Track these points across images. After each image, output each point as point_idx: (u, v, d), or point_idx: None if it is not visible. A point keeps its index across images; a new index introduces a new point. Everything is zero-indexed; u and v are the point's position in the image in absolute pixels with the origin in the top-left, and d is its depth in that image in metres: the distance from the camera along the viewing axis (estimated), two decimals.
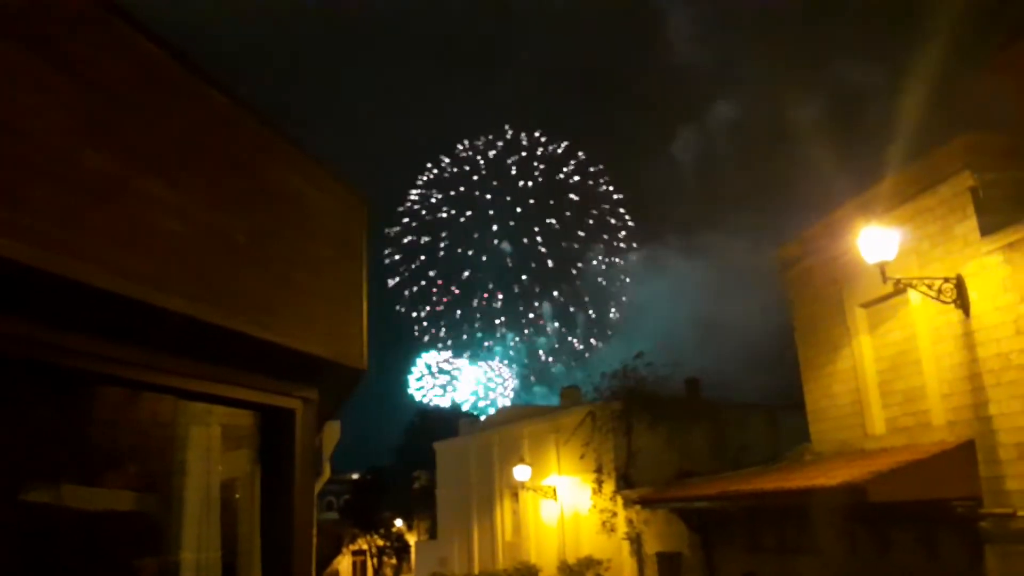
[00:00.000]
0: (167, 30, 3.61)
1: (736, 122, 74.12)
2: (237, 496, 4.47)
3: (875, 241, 9.76)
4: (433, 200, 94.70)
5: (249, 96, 4.16)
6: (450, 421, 44.33)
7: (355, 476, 46.59)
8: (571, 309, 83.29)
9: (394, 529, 42.56)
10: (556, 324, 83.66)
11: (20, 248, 2.69)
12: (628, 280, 74.66)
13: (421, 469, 40.53)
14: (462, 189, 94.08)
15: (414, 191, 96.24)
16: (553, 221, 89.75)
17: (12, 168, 2.74)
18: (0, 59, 2.75)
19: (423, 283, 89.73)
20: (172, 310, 3.36)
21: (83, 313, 3.16)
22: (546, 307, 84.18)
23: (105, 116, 3.19)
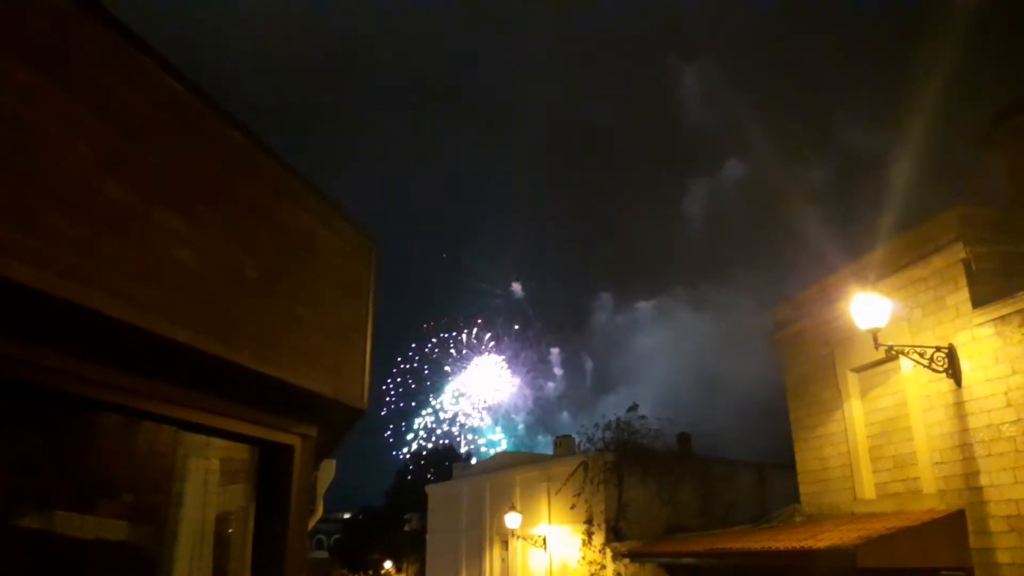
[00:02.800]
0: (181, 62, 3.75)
1: (744, 181, 74.81)
2: (231, 531, 4.48)
3: (868, 308, 9.87)
4: None
5: (264, 139, 4.29)
6: (443, 463, 43.94)
7: (346, 516, 46.06)
8: (579, 356, 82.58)
9: (383, 571, 41.91)
10: (562, 371, 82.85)
11: (31, 272, 2.74)
12: (634, 330, 74.36)
13: (412, 511, 40.09)
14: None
15: None
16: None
17: (30, 194, 2.80)
18: (25, 89, 2.83)
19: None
20: (178, 340, 3.41)
21: (88, 340, 3.19)
22: (554, 352, 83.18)
23: (124, 148, 3.27)
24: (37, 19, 2.97)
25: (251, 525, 4.37)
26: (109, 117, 3.22)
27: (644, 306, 76.83)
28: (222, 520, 4.39)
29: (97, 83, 3.19)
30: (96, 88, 3.18)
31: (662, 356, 63.39)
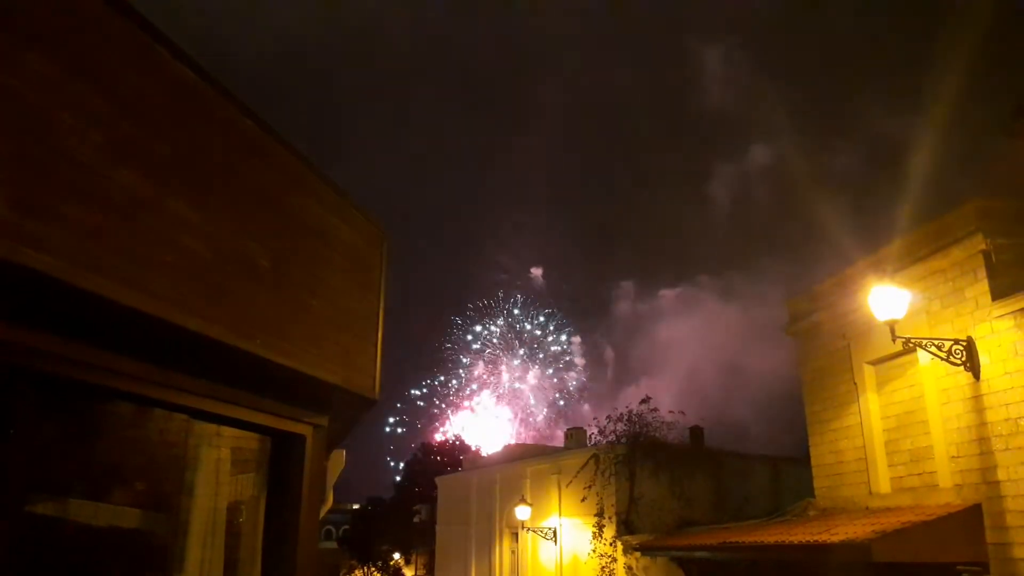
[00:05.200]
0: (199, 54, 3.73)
1: (771, 167, 73.56)
2: (242, 520, 4.48)
3: (885, 299, 9.77)
4: None
5: (275, 125, 4.27)
6: (453, 455, 44.02)
7: (355, 506, 46.26)
8: (600, 346, 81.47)
9: (392, 562, 42.09)
10: (584, 361, 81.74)
11: (45, 261, 2.74)
12: (657, 319, 73.42)
13: (422, 503, 40.21)
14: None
15: None
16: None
17: (43, 183, 2.81)
18: (37, 77, 2.83)
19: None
20: (189, 329, 3.41)
21: (101, 328, 3.20)
22: (575, 342, 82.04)
23: (137, 136, 3.27)
24: (50, 8, 2.96)
25: (262, 515, 4.37)
26: (122, 106, 3.21)
27: (668, 294, 75.86)
28: (233, 509, 4.39)
29: (110, 71, 3.19)
30: (109, 76, 3.18)
31: (686, 346, 62.74)
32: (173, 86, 3.55)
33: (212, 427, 4.25)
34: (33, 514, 3.65)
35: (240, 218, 3.88)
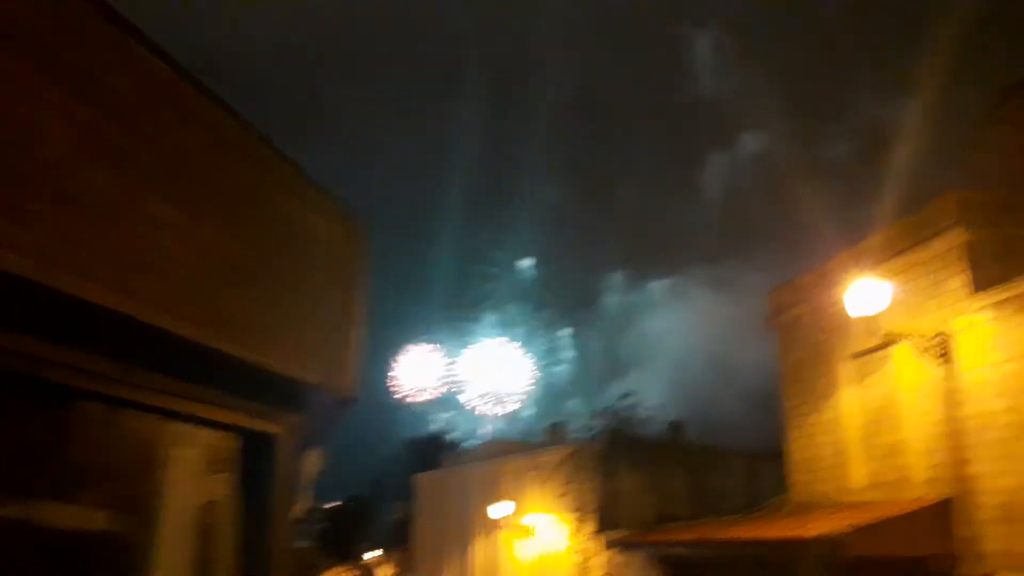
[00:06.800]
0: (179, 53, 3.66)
1: (762, 156, 73.25)
2: (215, 520, 4.41)
3: (866, 293, 9.82)
4: None
5: (254, 119, 4.21)
6: (434, 452, 43.82)
7: (332, 504, 45.99)
8: (590, 338, 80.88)
9: (363, 561, 41.95)
10: (574, 354, 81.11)
11: (21, 262, 2.72)
12: (647, 311, 73.20)
13: (400, 500, 40.07)
14: None
15: None
16: None
17: (19, 185, 2.79)
18: (11, 78, 2.78)
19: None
20: (165, 329, 3.37)
21: (72, 327, 3.17)
22: (564, 334, 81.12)
23: (114, 137, 3.23)
24: (22, 5, 2.89)
25: (236, 515, 4.32)
26: (98, 105, 3.17)
27: (657, 285, 75.57)
28: (206, 509, 4.32)
29: (85, 70, 3.14)
30: (84, 75, 3.13)
31: (676, 339, 62.49)
32: (149, 83, 3.51)
33: (185, 426, 4.18)
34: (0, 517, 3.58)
35: (218, 217, 3.84)
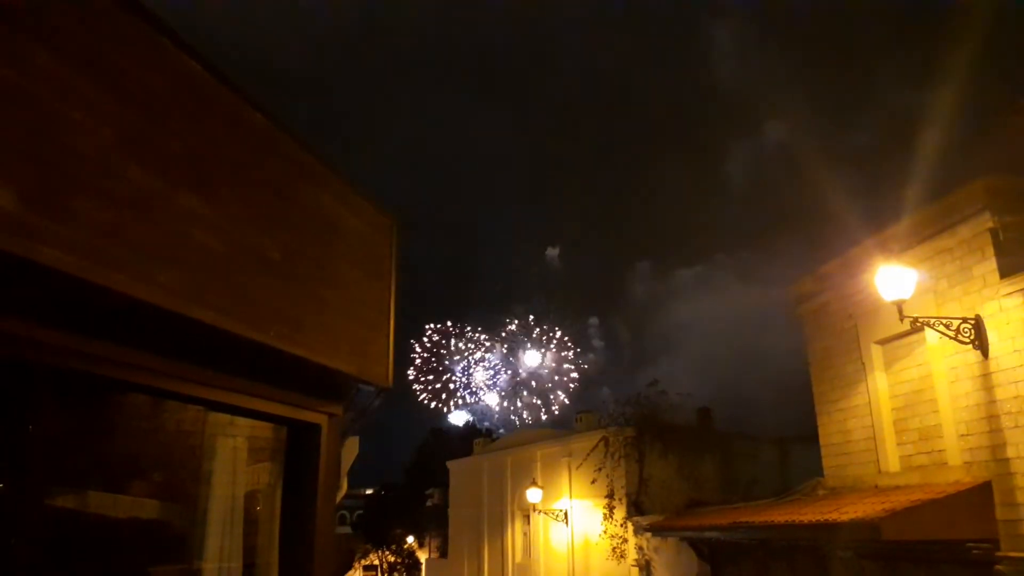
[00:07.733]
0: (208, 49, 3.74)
1: (786, 144, 72.10)
2: (259, 508, 4.54)
3: (893, 279, 9.75)
4: None
5: (285, 116, 4.29)
6: (464, 439, 44.12)
7: (368, 491, 46.56)
8: (617, 328, 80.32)
9: (405, 546, 42.43)
10: (602, 344, 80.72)
11: (59, 257, 2.77)
12: (674, 300, 72.64)
13: (434, 487, 40.44)
14: None
15: None
16: None
17: (56, 180, 2.83)
18: (50, 77, 2.85)
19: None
20: (204, 322, 3.44)
21: (117, 322, 3.23)
22: (593, 322, 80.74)
23: (147, 131, 3.28)
24: (57, 5, 2.97)
25: (279, 502, 4.43)
26: (131, 101, 3.23)
27: (684, 274, 75.07)
28: (250, 498, 4.45)
29: (118, 67, 3.20)
30: (117, 72, 3.19)
31: (703, 327, 62.07)
32: (180, 79, 3.56)
33: (227, 417, 4.30)
34: (53, 507, 3.71)
35: (251, 211, 3.90)
